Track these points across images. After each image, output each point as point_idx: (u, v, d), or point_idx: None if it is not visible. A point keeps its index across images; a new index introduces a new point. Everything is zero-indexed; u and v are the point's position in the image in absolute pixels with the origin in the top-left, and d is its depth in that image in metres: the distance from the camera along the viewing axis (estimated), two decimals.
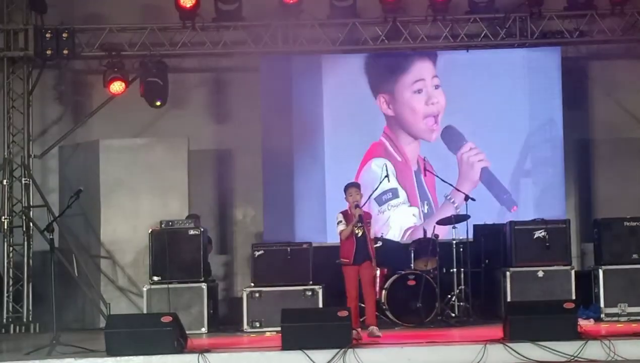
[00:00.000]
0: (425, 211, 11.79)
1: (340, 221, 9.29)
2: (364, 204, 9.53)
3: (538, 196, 12.16)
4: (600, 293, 10.54)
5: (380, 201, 11.86)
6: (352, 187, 9.36)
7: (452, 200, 11.94)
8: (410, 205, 12.09)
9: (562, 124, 12.22)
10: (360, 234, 9.23)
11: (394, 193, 11.90)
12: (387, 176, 9.87)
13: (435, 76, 12.21)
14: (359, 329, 9.15)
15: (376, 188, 10.32)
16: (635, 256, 10.65)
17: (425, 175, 11.82)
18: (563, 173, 12.24)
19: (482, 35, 12.21)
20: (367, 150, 12.23)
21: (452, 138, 12.19)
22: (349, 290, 9.27)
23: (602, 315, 10.46)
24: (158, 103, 12.17)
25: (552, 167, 12.21)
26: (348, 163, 12.08)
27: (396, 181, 11.77)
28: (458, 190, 11.33)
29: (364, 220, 9.26)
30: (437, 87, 12.21)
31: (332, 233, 11.27)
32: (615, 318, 10.40)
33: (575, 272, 10.65)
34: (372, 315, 9.32)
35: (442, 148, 12.20)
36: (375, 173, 11.99)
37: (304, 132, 12.31)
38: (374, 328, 9.19)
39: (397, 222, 12.06)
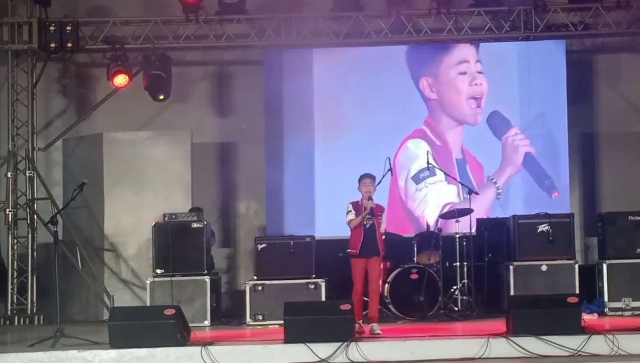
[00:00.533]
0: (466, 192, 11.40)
1: (350, 211, 9.25)
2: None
3: (533, 191, 12.10)
4: (604, 288, 10.51)
5: (417, 179, 11.84)
6: (367, 178, 9.28)
7: (494, 181, 11.91)
8: (449, 183, 11.96)
9: (566, 118, 12.18)
10: (368, 226, 9.17)
11: (431, 172, 11.66)
12: (390, 170, 9.83)
13: (478, 61, 12.16)
14: (361, 322, 9.14)
15: (379, 182, 10.33)
16: (639, 250, 10.61)
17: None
18: (567, 166, 12.20)
19: (487, 28, 12.17)
20: (409, 134, 12.15)
21: (497, 123, 12.12)
22: (355, 282, 9.23)
23: (606, 310, 10.44)
24: (161, 97, 12.17)
25: (554, 160, 12.16)
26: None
27: (434, 161, 11.37)
28: (463, 185, 11.27)
29: (375, 213, 9.20)
30: (479, 72, 12.15)
31: (322, 227, 11.57)
32: (619, 313, 10.37)
33: (579, 266, 10.63)
34: (375, 311, 9.26)
35: (486, 133, 12.11)
36: (412, 152, 12.00)
37: (306, 124, 12.31)
38: (374, 325, 9.15)
39: (435, 198, 11.95)
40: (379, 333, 9.03)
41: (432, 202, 11.98)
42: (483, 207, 11.83)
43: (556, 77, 12.17)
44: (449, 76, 12.16)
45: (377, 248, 9.23)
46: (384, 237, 10.27)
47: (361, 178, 9.33)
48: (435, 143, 12.10)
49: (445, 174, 11.33)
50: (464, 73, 12.14)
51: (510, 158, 12.05)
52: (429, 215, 11.75)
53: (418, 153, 11.98)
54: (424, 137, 12.12)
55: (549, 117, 12.20)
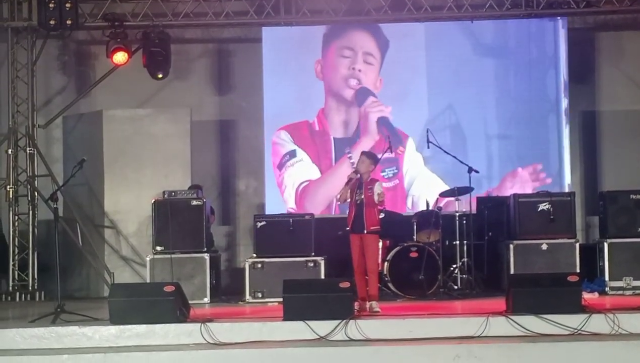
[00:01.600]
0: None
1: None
2: None
3: (546, 163, 12.07)
4: (605, 267, 10.49)
5: (280, 166, 12.00)
6: (362, 155, 9.30)
7: (349, 155, 11.93)
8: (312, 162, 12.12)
9: (568, 96, 12.13)
10: (359, 201, 9.08)
11: (291, 155, 11.98)
12: (389, 148, 9.81)
13: (369, 53, 12.15)
14: (360, 300, 9.13)
15: (379, 159, 10.33)
16: None
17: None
18: (569, 145, 12.16)
19: (487, 5, 12.08)
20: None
21: (361, 96, 12.13)
22: (352, 259, 9.20)
23: (607, 289, 10.41)
24: (160, 75, 12.12)
25: (555, 138, 12.13)
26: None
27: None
28: (461, 162, 11.23)
29: (366, 186, 9.10)
30: (368, 63, 12.15)
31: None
32: (620, 292, 10.35)
33: (580, 245, 10.61)
34: (373, 289, 9.16)
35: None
36: (277, 144, 12.09)
37: (305, 102, 12.28)
38: (373, 303, 9.11)
39: (291, 179, 12.09)
40: (378, 311, 9.02)
41: (289, 184, 12.14)
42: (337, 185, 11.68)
43: (558, 54, 12.10)
44: (332, 59, 12.18)
45: (362, 224, 9.05)
46: (382, 215, 10.25)
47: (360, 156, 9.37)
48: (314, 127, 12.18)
49: (444, 151, 11.28)
50: (346, 57, 12.15)
51: (365, 128, 12.03)
52: None
53: (282, 143, 12.06)
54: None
55: (549, 95, 12.14)
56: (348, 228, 9.25)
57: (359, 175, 9.14)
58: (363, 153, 9.37)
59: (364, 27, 12.27)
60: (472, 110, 12.18)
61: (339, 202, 9.43)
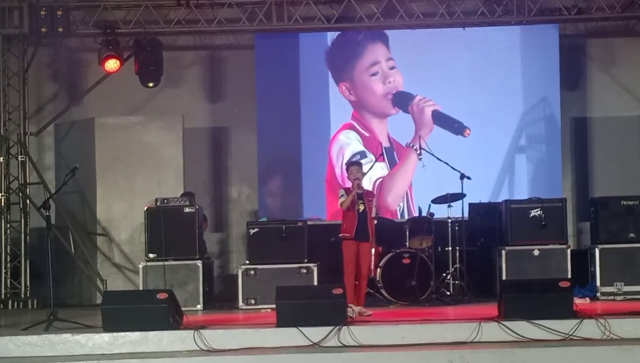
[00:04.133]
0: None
1: (342, 195, 9.35)
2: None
3: (533, 174, 12.13)
4: (597, 272, 10.53)
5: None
6: (353, 166, 9.44)
7: (411, 144, 12.03)
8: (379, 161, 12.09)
9: (559, 102, 12.17)
10: (362, 210, 9.27)
11: (362, 155, 11.93)
12: (382, 154, 9.86)
13: (390, 59, 12.28)
14: (353, 306, 9.16)
15: (370, 168, 10.33)
16: (632, 235, 10.63)
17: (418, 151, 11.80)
18: (560, 151, 12.20)
19: (479, 12, 12.12)
20: (337, 129, 12.32)
21: (401, 99, 12.22)
22: (347, 265, 9.29)
23: (598, 294, 10.45)
24: (151, 84, 12.11)
25: (548, 145, 12.18)
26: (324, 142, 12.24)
27: (363, 146, 11.99)
28: (453, 168, 11.26)
29: (366, 198, 9.31)
30: (392, 68, 12.28)
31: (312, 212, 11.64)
32: (611, 297, 10.38)
33: (571, 250, 10.64)
34: (362, 297, 9.35)
35: (402, 117, 12.24)
36: (343, 143, 12.17)
37: (298, 110, 12.30)
38: (361, 308, 9.22)
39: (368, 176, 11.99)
40: (370, 314, 9.07)
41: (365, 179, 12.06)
42: (409, 172, 12.04)
43: (549, 61, 12.15)
44: (363, 80, 12.28)
45: (368, 233, 9.34)
46: (375, 222, 10.30)
47: (347, 166, 9.50)
48: (364, 134, 12.19)
49: (436, 158, 11.31)
50: (376, 74, 12.24)
51: (420, 121, 12.13)
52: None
53: (349, 141, 12.13)
54: (353, 128, 12.26)
55: (541, 102, 12.19)
56: (348, 235, 9.31)
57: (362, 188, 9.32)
58: (354, 164, 9.48)
59: (372, 38, 12.33)
60: (462, 116, 12.23)
61: (342, 207, 9.47)
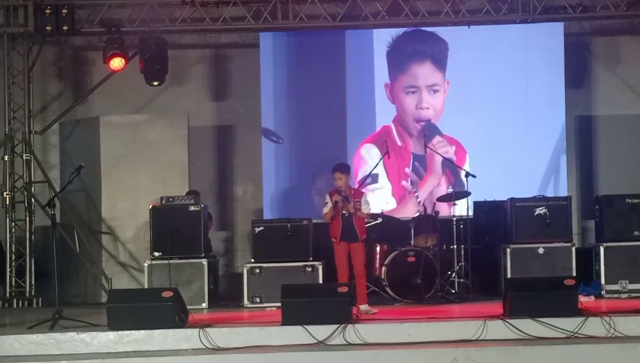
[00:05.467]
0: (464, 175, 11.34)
1: (327, 202, 9.41)
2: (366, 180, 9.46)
3: (537, 172, 12.11)
4: (601, 270, 10.51)
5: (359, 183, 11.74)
6: (336, 172, 9.43)
7: (416, 194, 11.99)
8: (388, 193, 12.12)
9: (564, 100, 12.16)
10: (347, 214, 9.34)
11: (373, 178, 11.83)
12: (387, 153, 9.86)
13: (435, 84, 12.14)
14: (367, 305, 9.22)
15: (376, 165, 10.34)
16: (636, 233, 10.60)
17: (425, 152, 11.79)
18: (565, 149, 12.20)
19: (484, 10, 12.12)
20: (377, 131, 12.23)
21: (429, 133, 12.05)
22: (339, 267, 9.38)
23: (603, 292, 10.45)
24: (155, 83, 12.11)
25: (552, 143, 12.16)
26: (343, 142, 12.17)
27: (382, 166, 11.83)
28: (459, 167, 11.28)
29: (353, 199, 9.34)
30: (435, 91, 12.17)
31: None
32: (616, 295, 10.38)
33: (576, 249, 10.62)
34: (363, 295, 9.38)
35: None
36: (362, 158, 12.07)
37: (305, 106, 12.30)
38: (366, 306, 9.25)
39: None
40: (375, 312, 9.09)
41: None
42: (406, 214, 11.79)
43: (554, 60, 12.15)
44: (400, 94, 12.20)
45: (356, 234, 9.37)
46: (380, 219, 10.32)
47: (334, 170, 9.46)
48: (396, 143, 12.10)
49: (442, 156, 11.33)
50: (413, 93, 12.15)
51: (430, 167, 12.04)
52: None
53: (368, 158, 12.04)
54: (379, 140, 11.98)
55: (546, 100, 12.18)
56: (333, 240, 9.40)
57: (342, 195, 9.32)
58: (337, 170, 9.43)
59: (421, 57, 12.19)
60: (467, 115, 12.22)
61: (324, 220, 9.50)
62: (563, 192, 11.68)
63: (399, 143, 12.17)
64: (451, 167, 11.91)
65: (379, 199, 11.79)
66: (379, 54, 12.27)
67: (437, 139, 12.08)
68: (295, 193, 12.22)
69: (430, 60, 12.27)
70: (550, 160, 12.16)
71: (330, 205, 9.36)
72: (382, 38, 12.28)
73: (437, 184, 11.93)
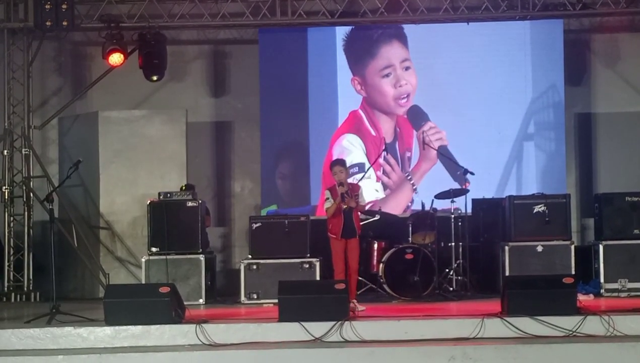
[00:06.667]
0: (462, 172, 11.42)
1: (328, 198, 9.37)
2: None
3: (536, 169, 12.10)
4: (601, 269, 10.49)
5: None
6: (336, 166, 9.43)
7: (409, 177, 11.98)
8: (377, 181, 12.08)
9: (563, 98, 12.15)
10: (347, 209, 9.33)
11: (360, 167, 11.85)
12: (385, 149, 9.84)
13: (405, 59, 12.22)
14: (356, 301, 9.17)
15: (374, 161, 10.30)
16: (636, 231, 10.58)
17: (423, 148, 11.84)
18: (564, 147, 12.18)
19: (483, 7, 12.08)
20: (345, 119, 12.26)
21: (416, 116, 12.14)
22: (337, 264, 9.36)
23: (602, 291, 10.43)
24: (154, 78, 12.11)
25: (551, 141, 12.15)
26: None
27: (365, 156, 11.90)
28: (457, 163, 11.24)
29: (352, 193, 9.34)
30: (407, 68, 12.23)
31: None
32: (615, 294, 10.36)
33: (575, 247, 10.60)
34: (354, 291, 9.39)
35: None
36: (345, 149, 12.05)
37: (301, 104, 12.29)
38: (354, 302, 9.20)
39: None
40: (363, 310, 9.10)
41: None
42: (401, 205, 11.92)
43: (553, 56, 12.12)
44: (374, 80, 12.23)
45: (355, 230, 9.40)
46: (377, 216, 10.30)
47: (333, 165, 9.47)
48: (368, 131, 12.15)
49: (440, 153, 11.31)
50: (388, 75, 12.19)
51: (424, 155, 12.04)
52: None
53: (351, 149, 12.05)
54: (359, 128, 12.15)
55: (546, 97, 12.16)
56: (332, 236, 9.37)
57: (345, 187, 9.31)
58: (337, 164, 9.45)
59: (390, 36, 12.27)
60: (464, 112, 12.20)
61: (327, 214, 9.47)
62: (562, 190, 11.65)
63: (373, 132, 12.18)
64: (448, 155, 11.90)
65: (370, 188, 11.77)
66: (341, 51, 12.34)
67: (429, 125, 12.10)
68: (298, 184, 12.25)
69: (396, 39, 12.30)
70: (549, 157, 12.14)
71: (331, 200, 9.31)
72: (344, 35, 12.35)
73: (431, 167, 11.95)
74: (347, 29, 12.33)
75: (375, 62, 12.26)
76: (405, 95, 12.20)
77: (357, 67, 12.29)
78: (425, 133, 11.94)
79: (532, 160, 12.16)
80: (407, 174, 12.06)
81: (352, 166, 10.66)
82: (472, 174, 10.88)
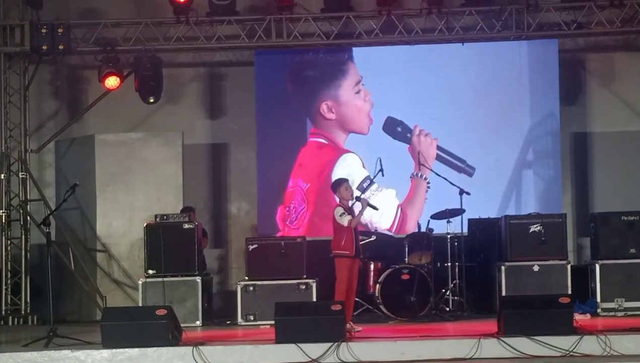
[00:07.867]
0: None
1: (344, 213, 9.23)
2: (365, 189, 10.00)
3: (534, 189, 12.13)
4: (597, 288, 10.49)
5: (361, 189, 11.59)
6: (344, 183, 9.40)
7: (420, 175, 12.05)
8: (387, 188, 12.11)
9: (559, 117, 12.17)
10: (355, 227, 9.31)
11: (369, 179, 11.78)
12: (381, 170, 9.84)
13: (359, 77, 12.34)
14: (352, 322, 9.16)
15: (372, 182, 10.34)
16: (632, 251, 10.58)
17: (419, 169, 11.91)
18: (560, 166, 12.20)
19: (478, 28, 12.15)
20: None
21: (396, 126, 12.18)
22: (344, 284, 9.23)
23: (599, 310, 10.42)
24: (151, 100, 12.16)
25: (548, 160, 12.18)
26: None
27: (365, 169, 12.01)
28: (452, 184, 11.25)
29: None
30: (362, 84, 12.32)
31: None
32: (612, 313, 10.35)
33: (571, 266, 10.60)
34: (351, 312, 9.39)
35: (383, 140, 12.16)
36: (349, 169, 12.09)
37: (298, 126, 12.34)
38: (350, 323, 9.19)
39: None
40: (359, 330, 9.08)
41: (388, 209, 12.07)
42: (422, 201, 12.02)
43: (549, 76, 12.16)
44: (349, 98, 12.27)
45: (360, 248, 9.41)
46: (374, 237, 10.32)
47: (341, 183, 9.39)
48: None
49: (435, 173, 11.36)
50: (359, 92, 12.26)
51: (427, 152, 12.05)
52: (382, 222, 11.92)
53: (352, 169, 12.03)
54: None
55: (542, 116, 12.19)
56: (347, 253, 9.22)
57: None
58: (343, 182, 9.40)
59: (346, 57, 12.34)
60: (460, 132, 12.23)
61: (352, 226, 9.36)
62: (558, 210, 11.66)
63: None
64: (446, 153, 11.98)
65: (388, 197, 11.90)
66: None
67: (418, 129, 12.15)
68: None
69: (350, 60, 12.35)
70: (546, 177, 12.16)
71: (347, 215, 9.18)
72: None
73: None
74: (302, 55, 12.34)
75: (348, 81, 12.27)
76: (369, 109, 12.23)
77: (327, 91, 12.27)
78: (423, 139, 12.00)
79: (530, 180, 12.17)
80: (416, 173, 12.07)
81: (365, 179, 10.69)
82: (467, 193, 10.89)
